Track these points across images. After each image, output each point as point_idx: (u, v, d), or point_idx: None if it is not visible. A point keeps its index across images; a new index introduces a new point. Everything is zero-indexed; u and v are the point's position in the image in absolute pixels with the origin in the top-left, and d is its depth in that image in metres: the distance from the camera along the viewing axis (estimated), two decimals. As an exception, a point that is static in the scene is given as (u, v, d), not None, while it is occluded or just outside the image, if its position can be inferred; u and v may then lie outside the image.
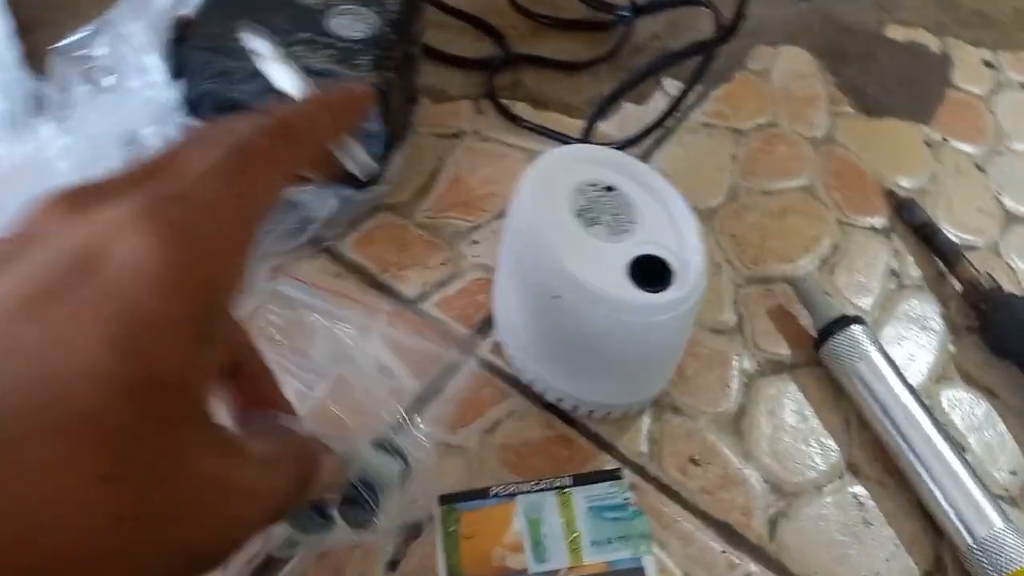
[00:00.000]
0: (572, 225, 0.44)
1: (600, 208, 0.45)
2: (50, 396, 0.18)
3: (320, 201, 0.51)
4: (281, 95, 0.31)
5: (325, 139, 0.28)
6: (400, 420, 0.41)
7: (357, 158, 0.30)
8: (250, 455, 0.24)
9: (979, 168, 0.67)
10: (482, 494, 0.45)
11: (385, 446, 0.37)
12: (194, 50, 0.49)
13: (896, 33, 0.77)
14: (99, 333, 0.19)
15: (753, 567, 0.45)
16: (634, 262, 0.43)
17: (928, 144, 0.68)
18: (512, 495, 0.45)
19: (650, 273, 0.43)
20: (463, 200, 0.59)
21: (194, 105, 0.50)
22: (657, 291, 0.42)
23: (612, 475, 0.46)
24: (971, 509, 0.45)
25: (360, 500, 0.35)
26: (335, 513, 0.35)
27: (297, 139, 0.26)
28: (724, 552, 0.46)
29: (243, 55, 0.48)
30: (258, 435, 0.26)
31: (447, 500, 0.44)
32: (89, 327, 0.19)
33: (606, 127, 0.64)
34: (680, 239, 0.45)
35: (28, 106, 0.51)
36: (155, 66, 0.49)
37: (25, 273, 0.19)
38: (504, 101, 0.64)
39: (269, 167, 0.24)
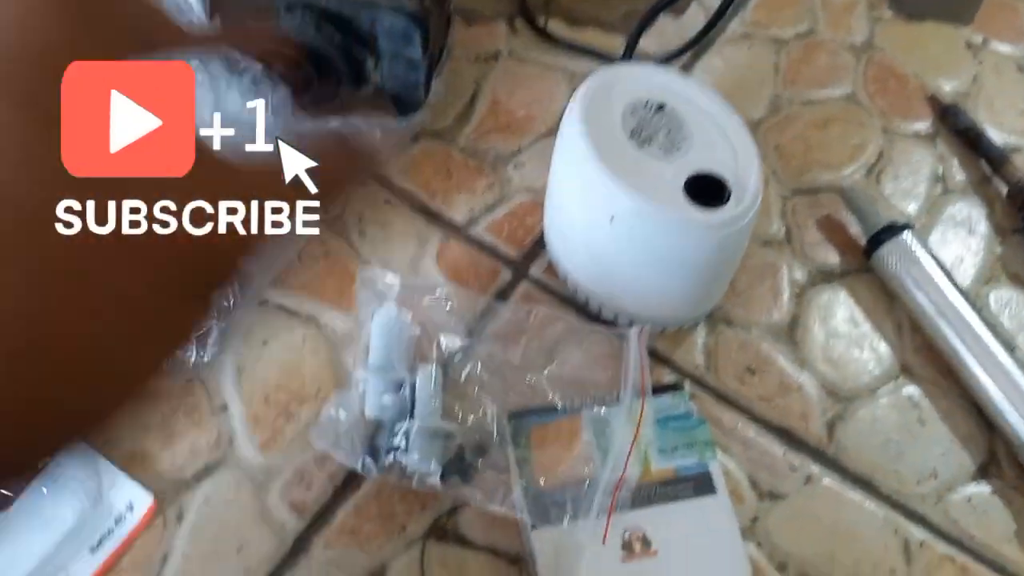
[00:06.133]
0: (626, 146, 0.44)
1: (653, 127, 0.45)
2: None
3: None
4: None
5: None
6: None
7: None
8: None
9: (1020, 69, 0.66)
10: (550, 410, 0.46)
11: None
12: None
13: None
14: None
15: (814, 468, 0.47)
16: (690, 180, 0.43)
17: (969, 46, 0.67)
18: (578, 409, 0.46)
19: (706, 190, 0.43)
20: (504, 123, 0.59)
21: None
22: (714, 208, 0.43)
23: (673, 387, 0.47)
24: (1023, 404, 0.46)
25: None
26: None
27: None
28: (785, 455, 0.47)
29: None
30: None
31: (515, 416, 0.46)
32: None
33: (644, 42, 0.64)
34: (734, 155, 0.45)
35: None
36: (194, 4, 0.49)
37: None
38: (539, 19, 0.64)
39: None
